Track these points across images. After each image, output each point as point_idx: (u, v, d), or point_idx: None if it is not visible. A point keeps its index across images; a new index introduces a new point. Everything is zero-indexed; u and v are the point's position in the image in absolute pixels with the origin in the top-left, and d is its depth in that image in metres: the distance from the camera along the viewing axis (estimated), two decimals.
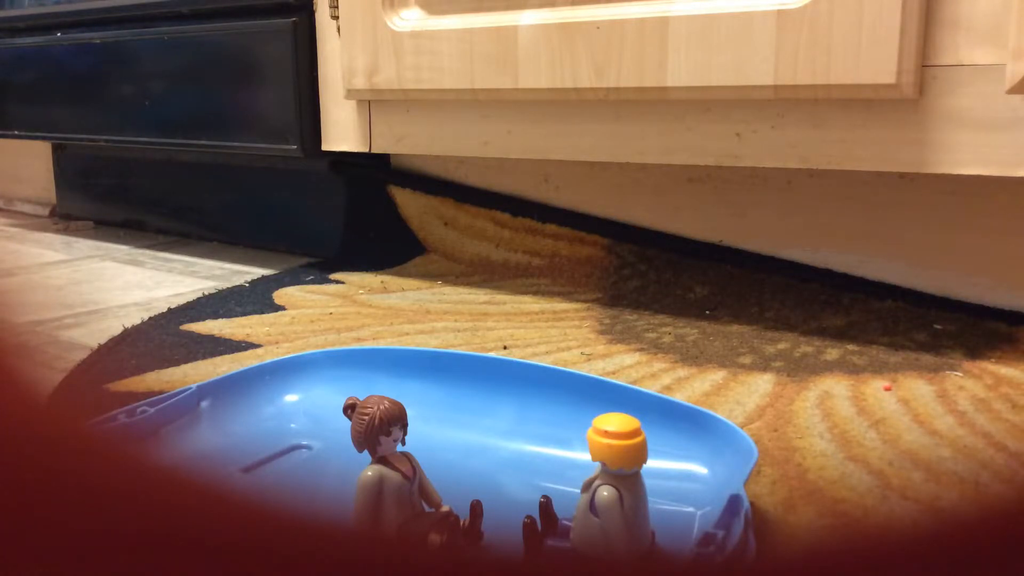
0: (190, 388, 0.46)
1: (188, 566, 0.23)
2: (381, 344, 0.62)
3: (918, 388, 0.52)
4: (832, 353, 0.59)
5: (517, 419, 0.47)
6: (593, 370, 0.56)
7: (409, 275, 0.86)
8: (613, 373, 0.56)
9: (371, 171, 0.95)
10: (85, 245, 1.08)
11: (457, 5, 0.71)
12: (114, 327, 0.69)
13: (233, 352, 0.61)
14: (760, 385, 0.53)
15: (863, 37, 0.54)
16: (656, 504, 0.35)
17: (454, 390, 0.49)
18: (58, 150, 1.27)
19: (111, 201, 1.22)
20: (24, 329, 0.70)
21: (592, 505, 0.32)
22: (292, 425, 0.48)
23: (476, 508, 0.35)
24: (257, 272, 0.91)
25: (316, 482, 0.42)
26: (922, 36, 0.53)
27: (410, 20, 0.74)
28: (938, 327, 0.64)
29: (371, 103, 0.80)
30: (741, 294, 0.73)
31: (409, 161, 0.95)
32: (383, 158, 0.96)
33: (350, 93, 0.79)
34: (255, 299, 0.77)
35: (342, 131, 0.83)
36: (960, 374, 0.54)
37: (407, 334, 0.65)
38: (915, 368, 0.56)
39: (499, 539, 0.34)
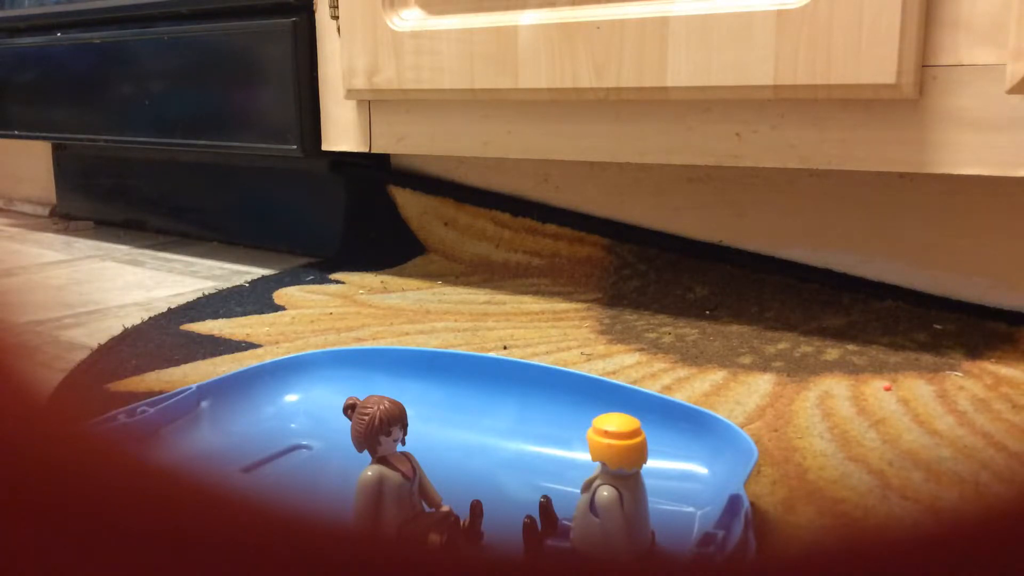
0: (190, 388, 0.46)
1: (188, 566, 0.23)
2: (381, 344, 0.62)
3: (918, 388, 0.52)
4: (832, 353, 0.59)
5: (517, 419, 0.47)
6: (593, 370, 0.56)
7: (409, 275, 0.86)
8: (613, 373, 0.56)
9: (371, 171, 0.95)
10: (85, 245, 1.08)
11: (457, 5, 0.71)
12: (114, 327, 0.69)
13: (233, 352, 0.61)
14: (760, 385, 0.53)
15: (863, 37, 0.54)
16: (656, 504, 0.35)
17: (454, 390, 0.49)
18: (58, 150, 1.27)
19: (111, 201, 1.22)
20: (24, 329, 0.70)
21: (592, 505, 0.32)
22: (292, 425, 0.48)
23: (476, 508, 0.35)
24: (257, 272, 0.91)
25: (316, 482, 0.42)
26: (922, 36, 0.53)
27: (410, 20, 0.74)
28: (938, 327, 0.64)
29: (371, 103, 0.80)
30: (741, 294, 0.73)
31: (409, 161, 0.95)
32: (383, 158, 0.95)
33: (350, 93, 0.79)
34: (255, 299, 0.77)
35: (342, 131, 0.83)
36: (960, 374, 0.54)
37: (407, 334, 0.65)
38: (915, 368, 0.56)
39: (499, 539, 0.34)
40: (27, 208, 1.35)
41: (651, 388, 0.51)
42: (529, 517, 0.34)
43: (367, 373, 0.51)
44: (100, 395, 0.53)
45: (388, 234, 0.94)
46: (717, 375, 0.55)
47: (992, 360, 0.57)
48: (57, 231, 1.19)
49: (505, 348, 0.62)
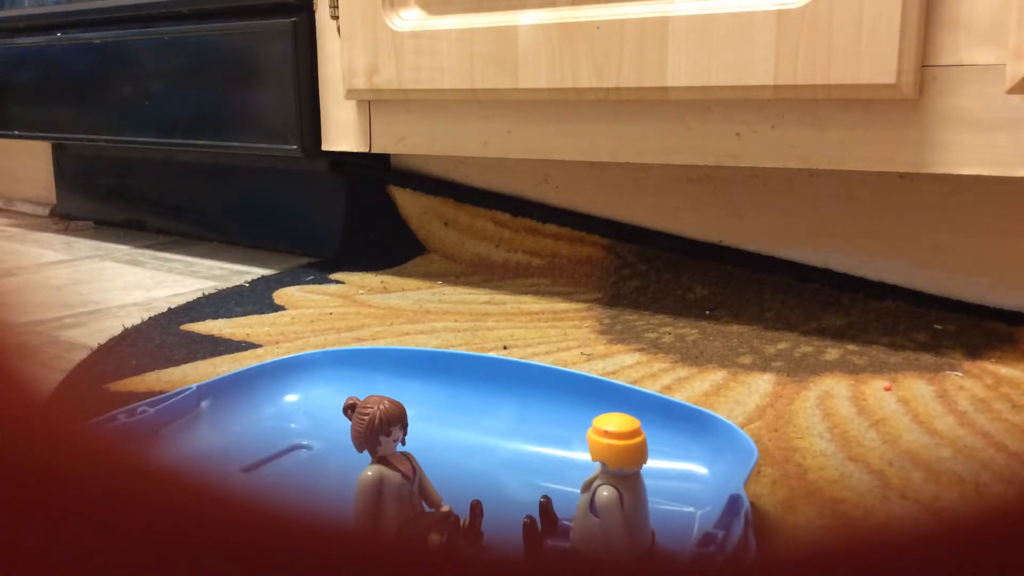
0: (190, 388, 0.46)
1: (188, 566, 0.23)
2: (381, 344, 0.62)
3: (918, 388, 0.52)
4: (832, 353, 0.59)
5: (517, 419, 0.47)
6: (593, 370, 0.56)
7: (409, 275, 0.86)
8: (613, 373, 0.56)
9: (371, 171, 0.95)
10: (85, 245, 1.08)
11: (457, 5, 0.71)
12: (114, 327, 0.69)
13: (233, 352, 0.61)
14: (760, 385, 0.53)
15: (863, 37, 0.54)
16: (656, 504, 0.35)
17: (454, 390, 0.49)
18: (58, 150, 1.27)
19: (111, 201, 1.22)
20: (24, 329, 0.70)
21: (592, 505, 0.32)
22: (292, 425, 0.48)
23: (476, 508, 0.35)
24: (257, 272, 0.91)
25: (316, 482, 0.42)
26: (922, 36, 0.53)
27: (410, 20, 0.74)
28: (938, 327, 0.64)
29: (371, 103, 0.80)
30: (741, 294, 0.73)
31: (409, 161, 0.95)
32: (383, 158, 0.95)
33: (350, 93, 0.79)
34: (255, 299, 0.77)
35: (342, 131, 0.83)
36: (960, 374, 0.54)
37: (407, 334, 0.65)
38: (915, 368, 0.56)
39: (499, 539, 0.34)
40: (27, 208, 1.35)
41: (651, 388, 0.51)
42: (529, 517, 0.34)
43: (367, 373, 0.51)
44: (100, 395, 0.53)
45: (388, 234, 0.94)
46: (717, 375, 0.55)
47: (992, 360, 0.57)
48: (57, 231, 1.19)
49: (505, 348, 0.62)
